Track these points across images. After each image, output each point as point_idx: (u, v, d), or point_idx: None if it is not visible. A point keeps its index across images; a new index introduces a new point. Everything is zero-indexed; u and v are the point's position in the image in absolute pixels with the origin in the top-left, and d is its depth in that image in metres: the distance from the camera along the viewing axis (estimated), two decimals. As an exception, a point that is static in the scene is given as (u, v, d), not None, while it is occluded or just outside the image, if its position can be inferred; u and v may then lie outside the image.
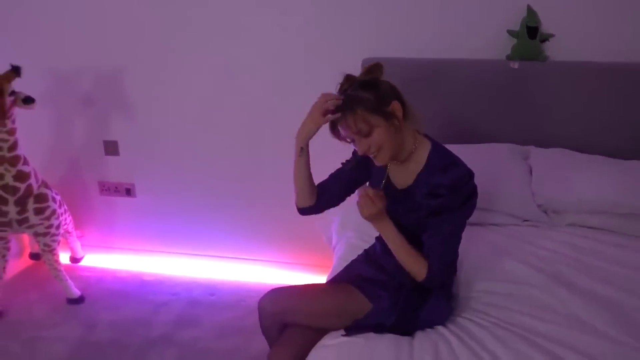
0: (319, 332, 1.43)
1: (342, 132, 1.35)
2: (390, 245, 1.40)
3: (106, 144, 2.61)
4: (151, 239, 2.73)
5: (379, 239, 1.60)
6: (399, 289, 1.43)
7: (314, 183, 1.52)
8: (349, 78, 1.35)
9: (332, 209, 1.61)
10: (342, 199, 1.58)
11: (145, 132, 2.54)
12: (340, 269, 1.64)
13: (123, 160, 2.62)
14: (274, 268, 2.63)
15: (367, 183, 1.56)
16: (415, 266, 1.37)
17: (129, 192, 2.67)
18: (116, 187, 2.67)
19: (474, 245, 1.74)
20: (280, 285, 1.52)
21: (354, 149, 1.53)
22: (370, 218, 1.37)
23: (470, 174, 1.36)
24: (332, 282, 1.59)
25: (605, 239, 1.82)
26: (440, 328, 1.40)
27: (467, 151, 2.02)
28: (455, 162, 1.37)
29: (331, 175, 1.56)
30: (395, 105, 1.33)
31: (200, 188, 2.59)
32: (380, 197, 1.35)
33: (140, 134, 2.56)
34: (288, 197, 2.45)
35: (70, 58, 2.49)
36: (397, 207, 1.42)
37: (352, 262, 1.64)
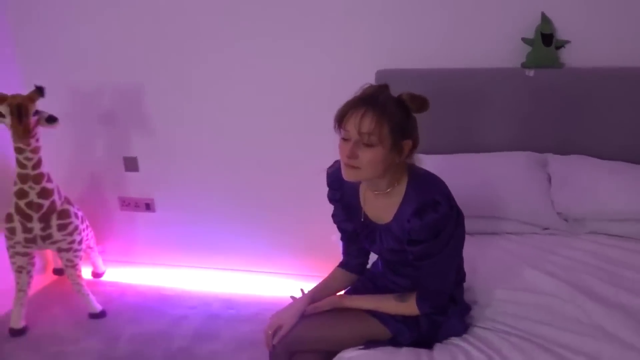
0: (334, 353, 1.39)
1: (349, 122, 1.22)
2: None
3: (126, 160, 2.66)
4: (170, 253, 2.76)
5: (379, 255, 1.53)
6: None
7: (348, 279, 1.56)
8: (385, 87, 1.29)
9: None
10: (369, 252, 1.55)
11: (164, 147, 2.59)
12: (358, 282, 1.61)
13: (142, 176, 2.67)
14: (292, 280, 2.63)
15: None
16: (406, 311, 1.37)
17: (148, 207, 2.71)
18: (136, 203, 2.72)
19: (491, 254, 1.72)
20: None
21: (333, 204, 1.49)
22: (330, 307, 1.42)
23: (450, 208, 1.25)
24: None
25: (627, 246, 1.78)
26: (458, 339, 1.38)
27: (484, 160, 2.04)
28: (434, 201, 1.24)
29: (344, 243, 1.54)
30: (407, 145, 1.26)
31: (217, 202, 2.61)
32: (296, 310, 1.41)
33: (158, 150, 2.60)
34: (306, 209, 2.49)
35: (90, 77, 2.55)
36: (382, 243, 1.37)
37: (359, 282, 1.57)
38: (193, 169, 2.59)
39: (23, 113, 2.04)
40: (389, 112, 1.22)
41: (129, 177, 2.69)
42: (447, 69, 2.14)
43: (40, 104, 2.12)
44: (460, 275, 1.47)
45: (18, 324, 2.31)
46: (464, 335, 1.39)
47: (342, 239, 1.54)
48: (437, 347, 1.37)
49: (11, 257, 2.23)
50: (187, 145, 2.56)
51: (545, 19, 2.05)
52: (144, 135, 2.59)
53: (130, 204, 2.73)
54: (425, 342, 1.39)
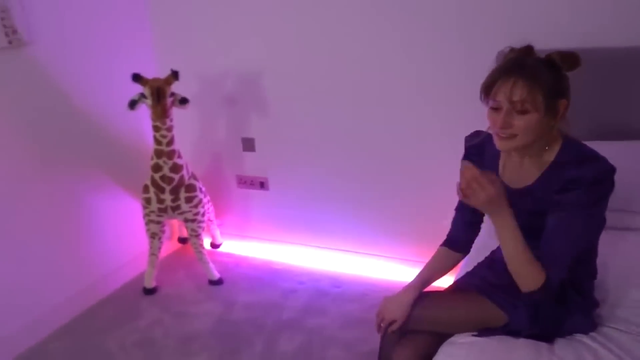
0: (445, 336, 1.39)
1: (499, 93, 1.18)
2: (506, 247, 1.23)
3: (244, 141, 2.82)
4: (281, 230, 2.91)
5: None
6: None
7: (453, 259, 1.52)
8: (530, 48, 1.24)
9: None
10: (479, 229, 1.50)
11: (279, 130, 2.71)
12: (469, 269, 1.59)
13: (258, 156, 2.82)
14: (399, 264, 2.64)
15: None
16: (530, 277, 1.21)
17: (262, 185, 2.86)
18: (252, 181, 2.89)
19: (624, 251, 1.60)
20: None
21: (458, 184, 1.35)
22: (483, 206, 1.21)
23: (613, 170, 1.20)
24: (459, 289, 1.51)
25: None
26: (584, 337, 1.32)
27: (627, 147, 1.82)
28: (595, 156, 1.22)
29: (459, 214, 1.48)
30: (563, 104, 1.21)
31: (329, 184, 2.69)
32: (493, 181, 1.18)
33: (274, 132, 2.73)
34: (418, 193, 2.47)
35: (216, 62, 2.73)
36: (518, 208, 1.29)
37: (476, 267, 1.57)
38: (306, 151, 2.68)
39: (161, 95, 2.26)
40: (541, 77, 1.16)
41: (246, 157, 2.86)
42: (598, 47, 1.90)
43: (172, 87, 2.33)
44: (592, 269, 1.39)
45: (150, 283, 2.59)
46: (590, 334, 1.32)
47: (457, 209, 1.50)
48: (559, 341, 1.32)
49: (146, 224, 2.50)
50: (301, 128, 2.65)
51: None
52: (262, 118, 2.73)
53: (247, 182, 2.90)
54: (545, 336, 1.34)
